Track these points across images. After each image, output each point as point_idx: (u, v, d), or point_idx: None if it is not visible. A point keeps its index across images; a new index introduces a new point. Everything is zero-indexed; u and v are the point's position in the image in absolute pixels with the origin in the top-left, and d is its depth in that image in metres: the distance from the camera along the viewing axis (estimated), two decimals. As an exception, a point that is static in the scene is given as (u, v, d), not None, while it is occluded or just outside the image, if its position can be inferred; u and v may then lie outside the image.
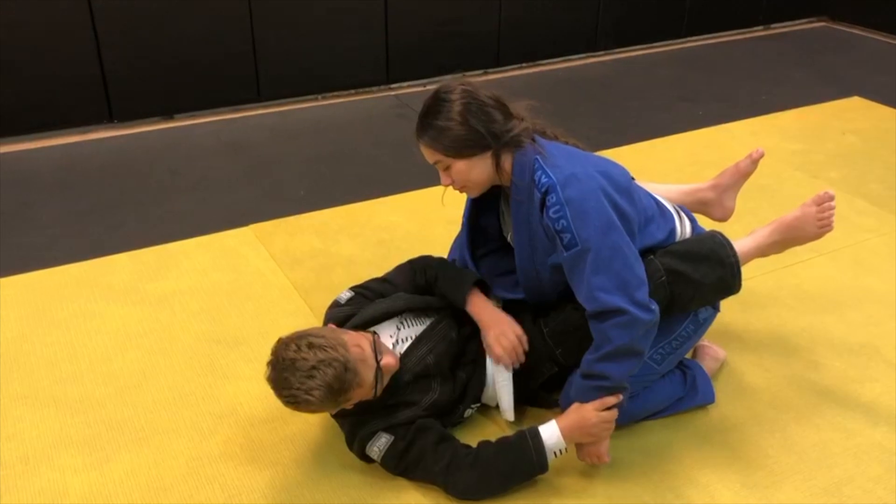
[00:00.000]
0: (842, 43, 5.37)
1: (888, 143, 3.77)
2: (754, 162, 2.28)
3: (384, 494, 1.87)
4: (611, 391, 1.81)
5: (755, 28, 5.57)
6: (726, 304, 2.53)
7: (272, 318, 2.50)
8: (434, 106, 1.90)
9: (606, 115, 4.17)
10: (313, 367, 1.70)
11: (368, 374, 1.77)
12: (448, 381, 1.95)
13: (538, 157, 1.87)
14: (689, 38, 5.34)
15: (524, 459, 1.82)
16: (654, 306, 1.79)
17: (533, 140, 1.91)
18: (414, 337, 1.98)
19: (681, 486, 1.91)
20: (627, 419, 2.03)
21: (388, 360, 1.82)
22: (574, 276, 1.79)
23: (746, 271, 2.70)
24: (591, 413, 1.81)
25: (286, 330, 2.40)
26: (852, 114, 4.12)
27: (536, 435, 1.82)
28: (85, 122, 3.84)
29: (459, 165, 1.90)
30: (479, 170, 1.90)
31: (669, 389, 2.09)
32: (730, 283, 1.98)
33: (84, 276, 2.71)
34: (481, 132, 1.85)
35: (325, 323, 2.05)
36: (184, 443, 2.03)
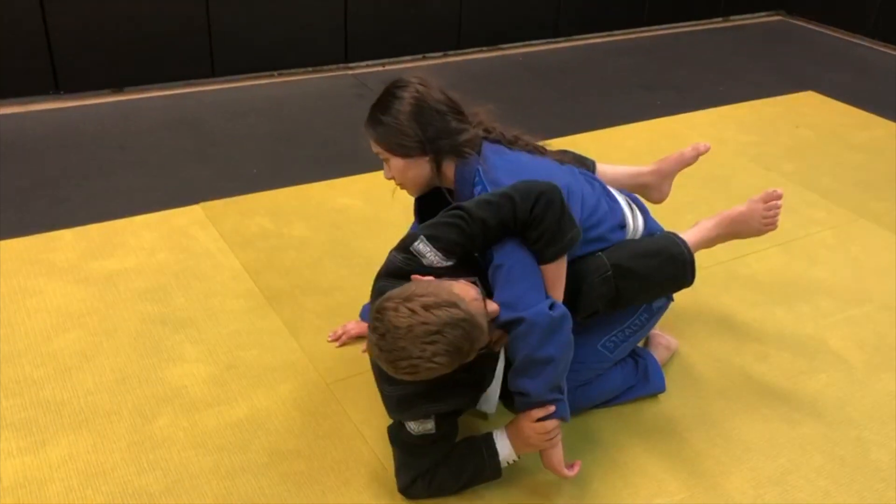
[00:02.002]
0: (798, 38, 5.44)
1: (841, 137, 3.83)
2: (698, 154, 2.32)
3: (329, 479, 1.84)
4: (536, 405, 1.71)
5: (714, 19, 5.61)
6: (678, 294, 2.55)
7: (220, 300, 2.44)
8: (384, 99, 1.89)
9: (566, 102, 4.16)
10: (436, 332, 1.51)
11: (485, 335, 1.60)
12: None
13: (479, 168, 1.85)
14: (649, 28, 5.35)
15: (481, 467, 1.79)
16: (558, 308, 1.70)
17: (479, 150, 1.88)
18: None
19: (629, 475, 1.91)
20: (579, 405, 2.03)
21: (494, 307, 1.65)
22: (493, 289, 1.74)
23: (699, 260, 2.72)
24: (525, 425, 1.73)
25: (235, 311, 2.38)
26: (807, 108, 4.17)
27: (491, 444, 1.79)
28: (28, 93, 3.69)
29: (397, 163, 1.90)
30: (415, 171, 1.90)
31: (621, 377, 2.09)
32: (681, 278, 1.98)
33: (24, 252, 2.61)
34: (420, 137, 1.85)
35: (398, 276, 1.74)
36: (125, 426, 1.96)
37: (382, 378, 1.75)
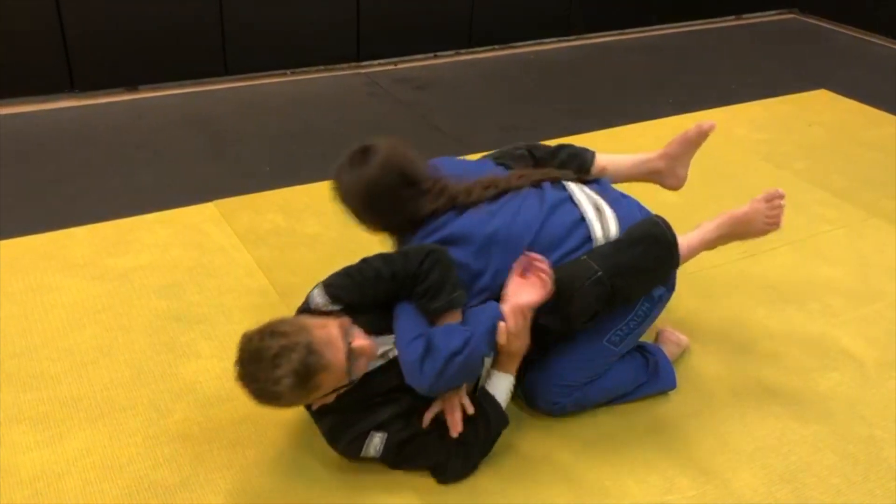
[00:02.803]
0: (811, 36, 5.41)
1: (853, 136, 3.82)
2: (703, 133, 2.25)
3: (342, 475, 1.86)
4: (480, 346, 1.77)
5: (727, 18, 5.60)
6: (689, 292, 2.56)
7: (234, 296, 2.46)
8: (356, 160, 1.99)
9: (577, 100, 4.17)
10: (276, 356, 1.63)
11: (337, 357, 1.68)
12: None
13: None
14: (660, 26, 5.34)
15: (496, 426, 1.88)
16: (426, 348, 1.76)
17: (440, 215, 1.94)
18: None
19: (640, 470, 1.92)
20: (590, 403, 2.05)
21: (361, 342, 1.73)
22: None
23: (710, 259, 2.74)
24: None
25: (248, 308, 2.40)
26: (819, 106, 4.16)
27: (492, 400, 1.88)
28: (45, 91, 3.73)
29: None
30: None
31: (632, 374, 2.10)
32: (667, 258, 1.97)
33: (41, 249, 2.64)
34: (378, 222, 2.00)
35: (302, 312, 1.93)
36: (140, 421, 1.99)
37: (315, 420, 1.86)
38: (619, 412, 2.09)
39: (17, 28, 3.55)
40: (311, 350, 1.66)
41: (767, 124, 3.90)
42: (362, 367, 1.76)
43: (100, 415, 2.00)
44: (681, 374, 2.20)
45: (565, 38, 5.01)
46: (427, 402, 1.85)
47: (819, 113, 4.07)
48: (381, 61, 4.46)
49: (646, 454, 1.97)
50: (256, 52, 4.11)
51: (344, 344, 1.71)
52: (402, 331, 1.81)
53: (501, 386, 1.90)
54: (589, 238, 1.96)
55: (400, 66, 4.47)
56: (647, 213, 2.09)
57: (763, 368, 2.28)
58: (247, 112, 3.80)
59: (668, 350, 2.22)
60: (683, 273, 2.62)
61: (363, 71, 4.37)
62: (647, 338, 2.26)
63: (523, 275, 1.86)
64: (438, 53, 4.62)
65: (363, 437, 1.80)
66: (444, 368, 1.72)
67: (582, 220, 1.98)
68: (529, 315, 1.83)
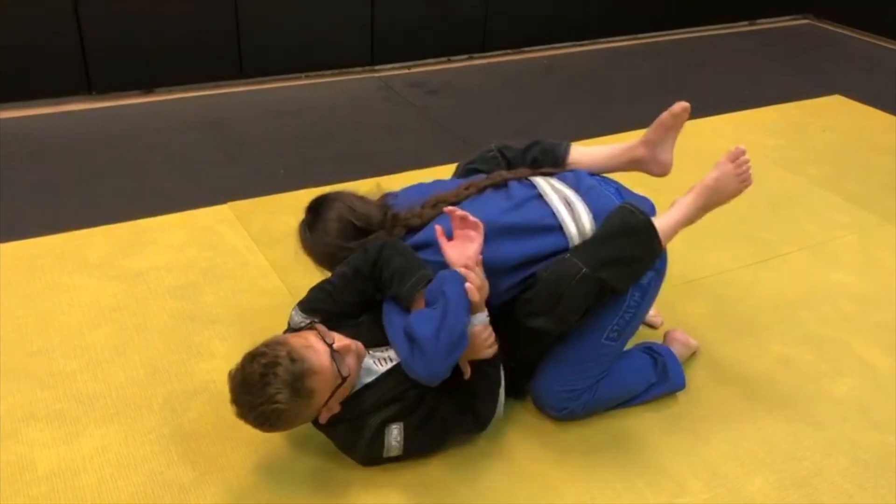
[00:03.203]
0: (825, 41, 5.40)
1: (866, 141, 3.81)
2: (675, 115, 2.20)
3: (356, 474, 1.87)
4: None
5: (740, 23, 5.59)
6: (701, 296, 2.56)
7: (249, 297, 2.48)
8: (310, 223, 2.08)
9: (589, 104, 4.18)
10: (262, 375, 1.65)
11: (320, 359, 1.70)
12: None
13: None
14: (673, 31, 5.34)
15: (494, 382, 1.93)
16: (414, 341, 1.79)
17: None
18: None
19: (651, 474, 1.92)
20: (600, 406, 2.05)
21: (344, 342, 1.76)
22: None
23: (722, 263, 2.74)
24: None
25: (262, 309, 2.42)
26: (832, 112, 4.15)
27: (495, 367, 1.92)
28: (62, 93, 3.77)
29: None
30: None
31: (641, 375, 2.10)
32: (648, 245, 1.95)
33: (58, 249, 2.67)
34: (338, 264, 1.99)
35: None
36: (155, 419, 2.01)
37: (328, 435, 1.88)
38: (630, 415, 2.09)
39: (36, 31, 3.60)
40: (293, 358, 1.68)
41: (781, 130, 3.89)
42: (353, 363, 1.77)
43: (115, 413, 2.02)
44: (693, 379, 2.20)
45: (579, 42, 5.01)
46: (430, 389, 1.84)
47: (833, 118, 4.06)
48: (395, 65, 4.48)
49: (657, 457, 1.97)
50: (272, 55, 4.14)
51: (324, 346, 1.73)
52: (390, 333, 1.84)
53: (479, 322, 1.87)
54: (561, 232, 1.95)
55: (413, 70, 4.49)
56: (628, 196, 2.07)
57: (776, 373, 2.28)
58: (261, 115, 3.83)
59: (677, 350, 2.22)
60: (695, 277, 2.64)
61: (377, 75, 4.39)
62: (655, 339, 2.26)
63: (450, 238, 1.89)
64: (452, 58, 4.64)
65: (380, 433, 1.81)
66: (433, 353, 1.72)
67: (552, 215, 1.98)
68: (481, 261, 1.85)
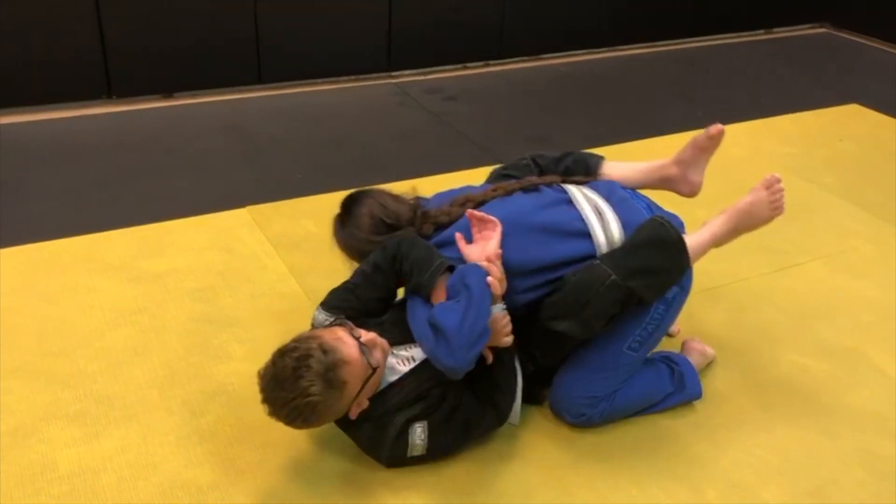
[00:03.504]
0: (842, 50, 5.39)
1: (884, 151, 3.80)
2: (711, 137, 2.21)
3: (378, 473, 1.88)
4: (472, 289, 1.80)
5: (757, 32, 5.58)
6: (717, 305, 2.56)
7: (266, 300, 2.50)
8: (342, 219, 2.14)
9: (606, 112, 4.18)
10: (295, 369, 1.67)
11: (350, 351, 1.74)
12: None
13: None
14: (690, 39, 5.34)
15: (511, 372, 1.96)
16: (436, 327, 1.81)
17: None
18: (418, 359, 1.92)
19: (667, 481, 1.93)
20: (617, 415, 2.06)
21: (370, 335, 1.80)
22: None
23: (739, 272, 2.74)
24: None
25: (280, 312, 2.44)
26: (850, 121, 4.14)
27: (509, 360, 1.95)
28: (84, 97, 3.82)
29: None
30: None
31: (658, 385, 2.11)
32: (677, 259, 1.97)
33: (78, 251, 2.71)
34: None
35: None
36: (174, 420, 2.03)
37: (352, 435, 1.89)
38: (646, 423, 2.09)
39: (59, 36, 3.65)
40: (325, 349, 1.71)
41: (797, 138, 3.89)
42: (380, 356, 1.80)
43: (134, 414, 2.05)
44: (709, 387, 2.20)
45: (595, 49, 5.02)
46: (452, 387, 1.87)
47: (850, 127, 4.05)
48: (412, 72, 4.50)
49: (672, 464, 1.97)
50: (290, 61, 4.18)
51: (352, 339, 1.77)
52: (415, 327, 1.87)
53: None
54: (589, 238, 1.97)
55: (430, 76, 4.51)
56: (658, 211, 2.09)
57: (792, 382, 2.28)
58: (280, 120, 3.86)
59: (694, 360, 2.23)
60: (712, 286, 2.64)
61: (394, 81, 4.42)
62: (673, 348, 2.27)
63: (470, 240, 1.94)
64: (468, 64, 4.66)
65: (405, 431, 1.82)
66: (458, 343, 1.74)
67: (581, 220, 2.00)
68: (500, 254, 1.89)
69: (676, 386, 2.12)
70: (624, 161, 2.29)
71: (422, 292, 1.89)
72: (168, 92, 3.99)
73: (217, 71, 4.04)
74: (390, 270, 1.93)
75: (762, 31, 5.60)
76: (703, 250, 2.10)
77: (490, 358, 1.88)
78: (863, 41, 5.52)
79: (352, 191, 2.18)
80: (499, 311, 1.85)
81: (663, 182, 2.27)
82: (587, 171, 2.22)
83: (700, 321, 2.49)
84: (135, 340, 2.30)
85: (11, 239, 2.74)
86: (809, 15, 5.73)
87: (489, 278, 1.81)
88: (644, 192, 2.23)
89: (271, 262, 2.70)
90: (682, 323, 2.42)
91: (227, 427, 2.02)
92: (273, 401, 1.71)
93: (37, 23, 3.58)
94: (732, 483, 1.93)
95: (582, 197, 2.06)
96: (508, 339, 1.88)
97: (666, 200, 2.23)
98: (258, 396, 2.06)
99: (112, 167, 3.31)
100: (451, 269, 1.89)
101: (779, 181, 2.11)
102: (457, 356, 1.75)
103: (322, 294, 1.99)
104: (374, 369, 1.77)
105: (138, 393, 2.11)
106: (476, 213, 1.96)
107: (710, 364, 2.30)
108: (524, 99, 4.31)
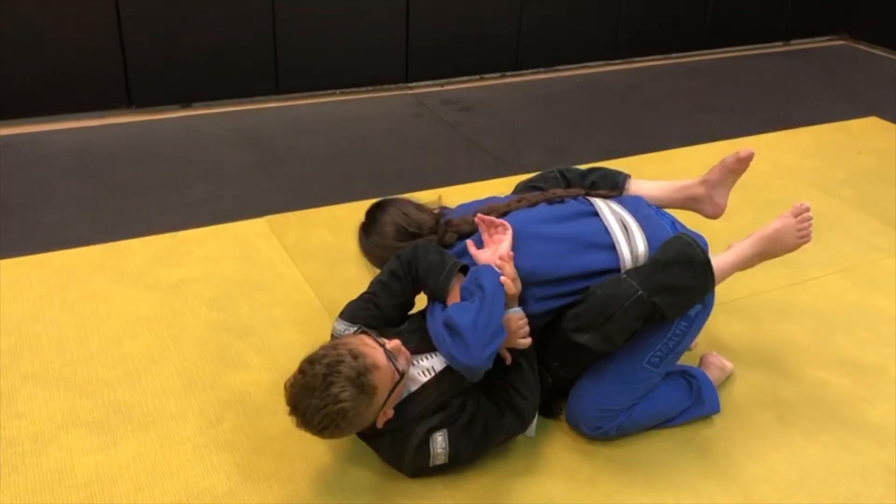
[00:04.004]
0: (861, 62, 5.36)
1: (904, 164, 3.77)
2: (741, 160, 2.21)
3: (394, 484, 1.88)
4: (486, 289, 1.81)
5: (775, 44, 5.57)
6: (736, 318, 2.55)
7: (283, 310, 2.51)
8: (366, 227, 2.15)
9: (623, 123, 4.18)
10: (325, 375, 1.67)
11: (378, 357, 1.74)
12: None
13: None
14: (708, 51, 5.34)
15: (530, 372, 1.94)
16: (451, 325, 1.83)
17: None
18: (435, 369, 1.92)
19: (684, 496, 1.91)
20: (634, 428, 2.04)
21: (394, 343, 1.81)
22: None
23: (758, 285, 2.72)
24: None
25: (296, 321, 2.45)
26: (869, 133, 4.11)
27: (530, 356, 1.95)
28: (103, 107, 3.86)
29: None
30: None
31: (676, 398, 2.09)
32: (702, 278, 1.96)
33: (97, 260, 2.73)
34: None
35: None
36: (191, 429, 2.03)
37: (374, 446, 1.90)
38: (663, 436, 2.08)
39: (79, 46, 3.69)
40: (355, 355, 1.71)
41: (816, 151, 3.86)
42: (404, 364, 1.81)
43: (151, 422, 2.05)
44: (727, 400, 2.19)
45: (612, 61, 5.03)
46: (471, 395, 1.87)
47: (869, 140, 4.02)
48: (429, 83, 4.52)
49: (690, 478, 1.96)
50: (307, 72, 4.20)
51: (378, 345, 1.78)
52: (432, 330, 1.87)
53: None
54: (613, 251, 1.97)
55: (447, 87, 4.53)
56: (682, 230, 2.08)
57: (811, 396, 2.26)
58: (297, 130, 3.88)
59: (712, 374, 2.21)
60: (730, 299, 2.62)
61: (411, 92, 4.44)
62: (691, 362, 2.25)
63: (481, 246, 1.96)
64: (485, 76, 4.67)
65: (426, 441, 1.82)
66: (473, 341, 1.74)
67: (606, 233, 2.00)
68: (513, 256, 1.90)
69: (694, 400, 2.11)
70: (650, 180, 2.29)
71: (438, 296, 1.90)
72: (187, 102, 4.02)
73: (235, 81, 4.07)
74: (406, 277, 1.93)
75: (780, 43, 5.59)
76: (728, 272, 2.11)
77: (509, 359, 1.89)
78: (881, 53, 5.48)
79: (376, 199, 2.19)
80: (514, 312, 1.86)
81: (688, 201, 2.28)
82: (614, 187, 2.23)
83: (718, 335, 2.47)
84: (152, 349, 2.31)
85: (31, 247, 2.76)
86: (828, 27, 5.71)
87: (502, 277, 1.82)
88: (667, 211, 2.22)
89: (288, 272, 2.71)
90: (700, 336, 2.39)
91: (243, 436, 2.02)
92: (304, 410, 1.69)
93: (58, 33, 3.63)
94: (751, 498, 1.91)
95: (608, 210, 2.06)
96: (525, 342, 1.88)
97: (687, 219, 2.22)
98: (275, 406, 2.09)
99: (131, 176, 3.34)
100: (465, 270, 1.91)
101: (808, 209, 2.12)
102: (472, 354, 1.75)
103: (338, 304, 1.99)
104: (402, 375, 1.78)
105: (156, 401, 2.12)
106: (486, 217, 1.97)
107: (728, 378, 2.29)
108: (540, 110, 4.32)
